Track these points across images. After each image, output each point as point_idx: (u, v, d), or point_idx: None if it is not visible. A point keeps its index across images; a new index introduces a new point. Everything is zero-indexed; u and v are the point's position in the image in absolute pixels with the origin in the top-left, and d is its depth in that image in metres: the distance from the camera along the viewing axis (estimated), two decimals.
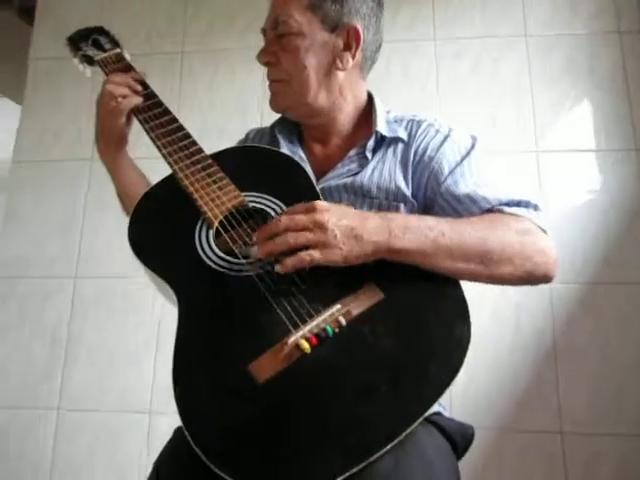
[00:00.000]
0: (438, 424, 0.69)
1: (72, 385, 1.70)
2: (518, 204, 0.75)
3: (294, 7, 0.81)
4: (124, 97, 0.82)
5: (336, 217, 0.65)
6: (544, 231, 0.74)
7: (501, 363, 1.56)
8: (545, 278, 0.72)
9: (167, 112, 0.84)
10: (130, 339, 1.71)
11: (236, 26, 1.92)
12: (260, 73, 1.89)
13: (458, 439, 0.71)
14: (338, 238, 0.63)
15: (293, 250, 0.64)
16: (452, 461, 0.69)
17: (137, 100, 0.83)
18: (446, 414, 0.75)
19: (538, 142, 1.70)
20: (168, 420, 1.55)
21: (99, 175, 1.84)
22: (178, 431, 0.71)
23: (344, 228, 0.64)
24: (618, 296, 1.56)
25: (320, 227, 0.63)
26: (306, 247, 0.63)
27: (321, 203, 0.66)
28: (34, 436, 1.65)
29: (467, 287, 1.73)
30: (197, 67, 1.92)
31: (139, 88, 0.85)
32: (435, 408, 0.73)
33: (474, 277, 0.68)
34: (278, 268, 0.64)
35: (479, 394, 1.55)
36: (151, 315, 1.71)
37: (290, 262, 0.63)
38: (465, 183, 0.77)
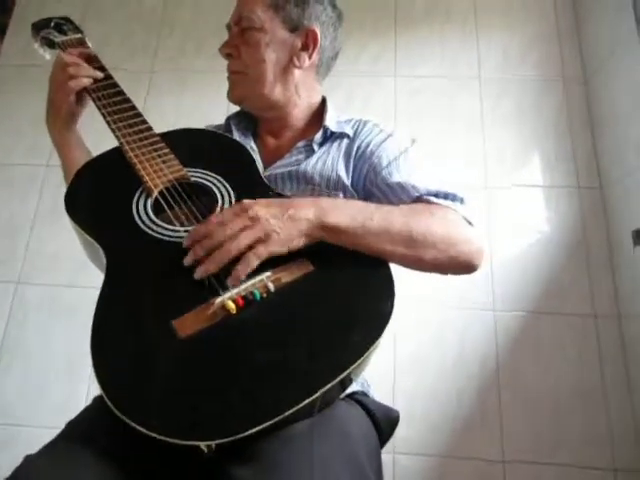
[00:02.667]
0: (363, 403, 0.69)
1: (2, 398, 1.60)
2: (445, 196, 0.78)
3: (258, 5, 0.87)
4: (76, 75, 0.83)
5: (264, 206, 0.65)
6: (470, 223, 0.76)
7: (444, 389, 1.56)
8: (469, 266, 0.74)
9: (121, 93, 0.87)
10: (69, 351, 1.64)
11: (206, 50, 1.98)
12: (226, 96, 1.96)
13: (382, 421, 0.70)
14: (272, 224, 0.63)
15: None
16: (373, 442, 0.68)
17: (87, 81, 0.84)
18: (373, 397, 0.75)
19: (487, 177, 1.78)
20: None
21: (52, 182, 1.82)
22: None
23: (275, 214, 0.64)
24: (558, 326, 1.60)
25: (252, 219, 0.63)
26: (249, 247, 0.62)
27: (246, 201, 0.66)
28: None
29: (410, 310, 1.73)
30: (165, 86, 1.96)
31: (91, 70, 0.86)
32: (360, 387, 0.73)
33: (401, 260, 0.70)
34: (230, 282, 0.61)
35: (422, 420, 1.54)
36: None
37: (241, 270, 0.61)
38: (399, 174, 0.81)
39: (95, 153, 0.93)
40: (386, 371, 1.56)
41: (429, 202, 0.77)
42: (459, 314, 1.63)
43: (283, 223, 0.64)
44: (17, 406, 1.59)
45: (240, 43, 0.89)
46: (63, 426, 0.66)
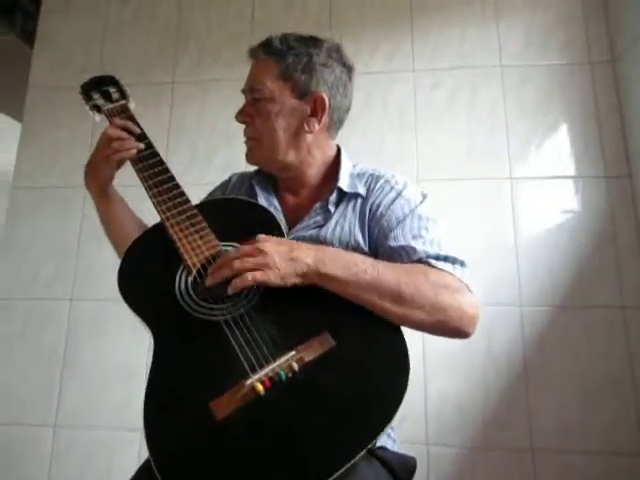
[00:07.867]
0: (381, 457, 0.76)
1: (68, 403, 1.78)
2: (445, 259, 0.81)
3: (267, 76, 0.92)
4: (120, 149, 0.90)
5: (274, 244, 0.76)
6: (467, 288, 0.78)
7: (473, 384, 1.63)
8: (458, 332, 0.75)
9: (161, 163, 0.94)
10: (122, 360, 1.79)
11: (222, 59, 2.01)
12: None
13: (400, 470, 0.78)
14: (276, 260, 0.74)
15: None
16: None
17: (129, 154, 0.92)
18: (394, 447, 0.82)
19: (512, 169, 1.77)
20: None
21: (93, 203, 1.93)
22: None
23: (281, 252, 0.75)
24: (585, 319, 1.63)
25: (261, 252, 0.74)
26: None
27: (262, 235, 0.78)
28: (32, 452, 1.74)
29: None
30: (186, 97, 2.01)
31: (136, 131, 0.94)
32: (380, 442, 0.80)
33: (389, 314, 0.74)
34: (229, 290, 0.74)
35: (453, 415, 1.62)
36: (142, 337, 1.78)
37: (235, 283, 0.74)
38: (403, 237, 0.85)
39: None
40: (416, 370, 1.63)
41: (429, 264, 0.80)
42: (485, 310, 1.67)
43: (285, 262, 0.74)
44: (80, 412, 1.77)
45: (253, 112, 0.94)
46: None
